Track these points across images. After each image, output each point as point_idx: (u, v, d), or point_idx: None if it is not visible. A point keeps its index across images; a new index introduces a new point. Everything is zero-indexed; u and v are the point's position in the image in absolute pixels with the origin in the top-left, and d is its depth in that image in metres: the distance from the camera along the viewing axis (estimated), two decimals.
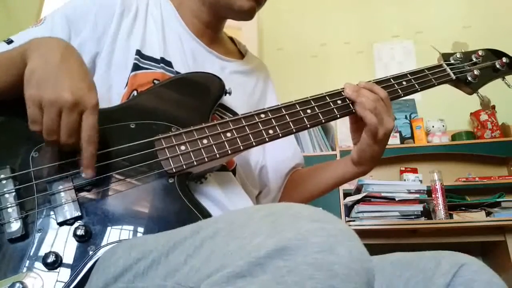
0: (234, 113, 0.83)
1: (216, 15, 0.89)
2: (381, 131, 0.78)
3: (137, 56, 0.78)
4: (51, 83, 0.57)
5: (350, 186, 2.16)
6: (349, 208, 2.11)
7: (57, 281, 0.53)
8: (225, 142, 0.68)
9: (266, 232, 0.40)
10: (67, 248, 0.56)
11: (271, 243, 0.38)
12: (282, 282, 0.37)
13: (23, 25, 0.79)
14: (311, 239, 0.38)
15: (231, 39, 1.02)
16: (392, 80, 0.84)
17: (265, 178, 0.95)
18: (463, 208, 2.10)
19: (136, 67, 0.77)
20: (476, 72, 0.92)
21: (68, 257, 0.55)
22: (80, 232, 0.56)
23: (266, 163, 0.95)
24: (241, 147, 0.69)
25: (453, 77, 0.90)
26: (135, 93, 0.75)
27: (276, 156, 0.96)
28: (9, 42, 0.75)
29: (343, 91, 0.80)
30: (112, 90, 0.76)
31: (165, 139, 0.66)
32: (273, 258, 0.38)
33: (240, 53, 1.00)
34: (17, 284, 0.51)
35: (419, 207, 2.00)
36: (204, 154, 0.66)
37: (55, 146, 0.59)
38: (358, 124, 0.82)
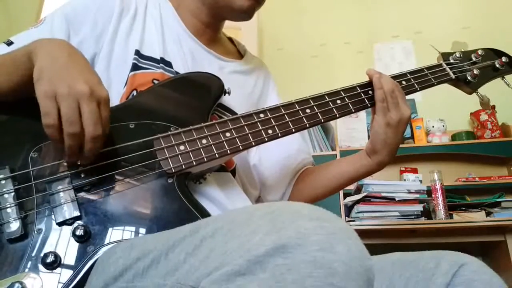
0: (233, 113, 0.83)
1: (215, 16, 0.89)
2: (395, 115, 0.78)
3: (136, 56, 0.78)
4: (63, 77, 0.57)
5: (350, 186, 2.16)
6: (349, 208, 2.11)
7: (56, 281, 0.53)
8: (224, 142, 0.68)
9: (266, 231, 0.40)
10: (67, 248, 0.56)
11: (270, 241, 0.38)
12: (282, 280, 0.37)
13: (23, 25, 0.79)
14: (311, 237, 0.38)
15: (230, 39, 1.02)
16: None
17: (262, 176, 0.94)
18: (463, 208, 2.10)
19: (135, 67, 0.77)
20: (475, 71, 0.91)
21: (68, 257, 0.55)
22: (79, 232, 0.56)
23: (261, 162, 0.94)
24: (240, 147, 0.69)
25: (453, 76, 0.90)
26: (134, 92, 0.75)
27: (281, 152, 0.95)
28: (9, 43, 0.75)
29: (342, 90, 0.80)
30: (111, 89, 0.75)
31: (164, 138, 0.66)
32: (272, 256, 0.38)
33: (239, 53, 1.00)
34: (16, 284, 0.51)
35: (419, 207, 2.00)
36: (203, 154, 0.66)
37: (75, 140, 0.56)
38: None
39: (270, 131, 0.71)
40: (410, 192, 2.02)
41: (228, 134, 0.68)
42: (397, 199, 2.00)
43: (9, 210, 0.57)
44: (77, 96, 0.56)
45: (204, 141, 0.67)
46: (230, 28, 0.96)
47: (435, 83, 0.88)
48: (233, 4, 0.83)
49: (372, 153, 0.84)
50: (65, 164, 0.61)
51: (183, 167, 0.64)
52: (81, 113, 0.56)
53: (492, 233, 1.97)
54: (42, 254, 0.55)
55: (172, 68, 0.80)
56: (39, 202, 0.58)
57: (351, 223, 1.99)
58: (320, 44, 2.93)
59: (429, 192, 2.04)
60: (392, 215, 1.98)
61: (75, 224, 0.57)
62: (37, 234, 0.56)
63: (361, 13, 2.94)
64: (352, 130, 2.49)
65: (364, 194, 1.99)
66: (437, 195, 2.00)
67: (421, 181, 2.25)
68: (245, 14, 0.85)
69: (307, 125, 0.75)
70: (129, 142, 0.65)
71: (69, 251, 0.56)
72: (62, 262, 0.55)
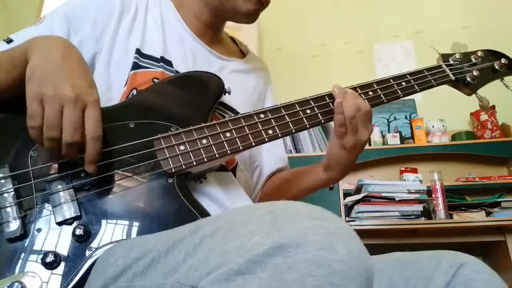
0: (234, 112, 0.83)
1: (218, 17, 0.89)
2: (351, 139, 0.76)
3: (136, 55, 0.78)
4: (52, 80, 0.57)
5: (350, 186, 2.16)
6: (349, 208, 2.11)
7: (55, 280, 0.53)
8: (225, 142, 0.68)
9: (266, 230, 0.40)
10: (66, 248, 0.56)
11: (270, 240, 0.38)
12: (281, 279, 0.37)
13: (23, 25, 0.79)
14: (311, 237, 0.38)
15: (232, 38, 1.02)
16: (391, 81, 0.84)
17: (256, 179, 0.96)
18: (463, 208, 2.09)
19: (135, 66, 0.77)
20: (475, 73, 0.92)
21: (67, 257, 0.55)
22: (79, 232, 0.56)
23: (262, 164, 0.95)
24: (241, 147, 0.69)
25: (452, 78, 0.91)
26: (134, 91, 0.75)
27: (264, 158, 0.97)
28: (9, 41, 0.75)
29: None
30: (111, 89, 0.76)
31: (164, 138, 0.66)
32: (272, 255, 0.37)
33: (242, 53, 1.00)
34: (16, 284, 0.51)
35: (419, 207, 2.00)
36: (203, 154, 0.66)
37: (54, 144, 0.57)
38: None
39: (270, 132, 0.71)
40: (410, 192, 2.02)
41: (228, 134, 0.68)
42: (397, 199, 2.00)
43: (8, 209, 0.57)
44: (62, 100, 0.56)
45: (204, 141, 0.67)
46: (230, 28, 0.96)
47: (435, 84, 0.89)
48: (239, 8, 0.83)
49: (326, 169, 0.84)
50: (65, 163, 0.61)
51: (183, 167, 0.64)
52: (62, 118, 0.56)
53: (492, 233, 1.97)
54: (41, 254, 0.54)
55: (173, 67, 0.80)
56: (38, 202, 0.58)
57: (351, 223, 1.99)
58: (320, 44, 2.93)
59: (429, 192, 2.04)
60: (392, 215, 1.98)
61: (75, 224, 0.57)
62: (37, 234, 0.56)
63: (361, 13, 2.94)
64: None
65: (364, 194, 1.99)
66: (437, 195, 2.00)
67: (421, 181, 2.25)
68: (250, 17, 0.86)
69: (308, 126, 0.75)
70: (129, 141, 0.65)
71: (68, 250, 0.56)
72: (61, 262, 0.55)
